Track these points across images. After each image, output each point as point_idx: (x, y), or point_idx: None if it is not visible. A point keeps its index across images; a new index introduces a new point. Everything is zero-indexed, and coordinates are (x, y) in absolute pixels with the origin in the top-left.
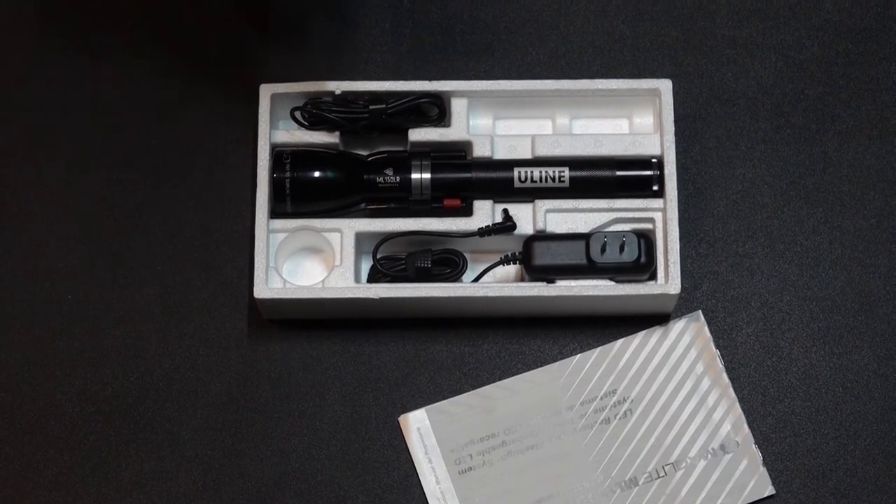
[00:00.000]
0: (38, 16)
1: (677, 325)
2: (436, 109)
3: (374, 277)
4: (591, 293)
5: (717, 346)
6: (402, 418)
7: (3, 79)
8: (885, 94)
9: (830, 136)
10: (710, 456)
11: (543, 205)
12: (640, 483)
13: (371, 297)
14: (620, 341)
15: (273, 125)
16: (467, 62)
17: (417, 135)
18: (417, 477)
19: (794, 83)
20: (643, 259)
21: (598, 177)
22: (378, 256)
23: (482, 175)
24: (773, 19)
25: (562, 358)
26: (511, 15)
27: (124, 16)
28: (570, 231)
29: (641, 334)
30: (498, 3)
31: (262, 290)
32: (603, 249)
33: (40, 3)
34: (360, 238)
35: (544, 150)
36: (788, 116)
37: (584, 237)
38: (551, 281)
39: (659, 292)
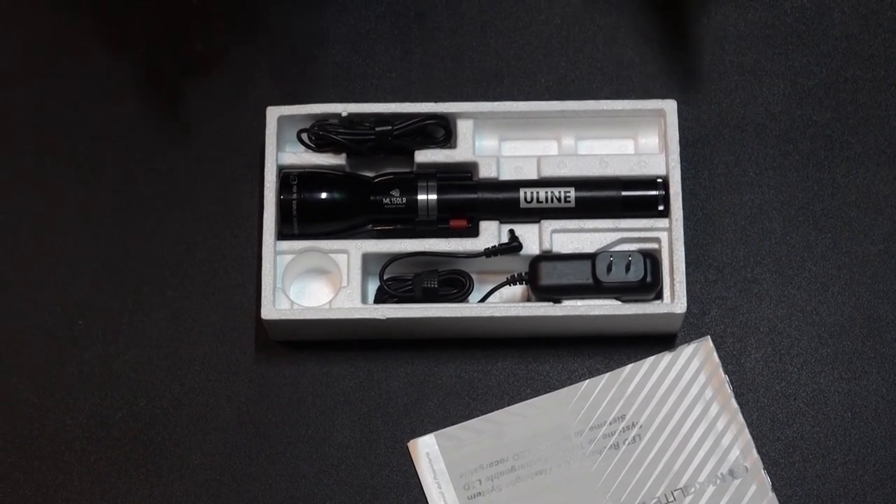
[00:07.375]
0: (50, 39)
1: (686, 351)
2: (442, 131)
3: (380, 298)
4: (597, 312)
5: (726, 372)
6: (411, 444)
7: (11, 103)
8: (893, 120)
9: (839, 161)
10: (718, 481)
11: (549, 225)
12: None
13: (378, 317)
14: (629, 367)
15: (280, 148)
16: (476, 89)
17: (423, 156)
18: (427, 502)
19: (802, 109)
20: (649, 278)
21: (603, 197)
22: (385, 277)
23: (488, 196)
24: (780, 45)
25: (570, 383)
26: (520, 42)
27: (136, 41)
28: (576, 251)
29: (650, 360)
30: (507, 29)
31: (269, 311)
32: (609, 269)
33: (52, 28)
34: (367, 259)
35: (550, 171)
36: (796, 142)
37: (590, 257)
38: (557, 301)
39: (665, 311)
